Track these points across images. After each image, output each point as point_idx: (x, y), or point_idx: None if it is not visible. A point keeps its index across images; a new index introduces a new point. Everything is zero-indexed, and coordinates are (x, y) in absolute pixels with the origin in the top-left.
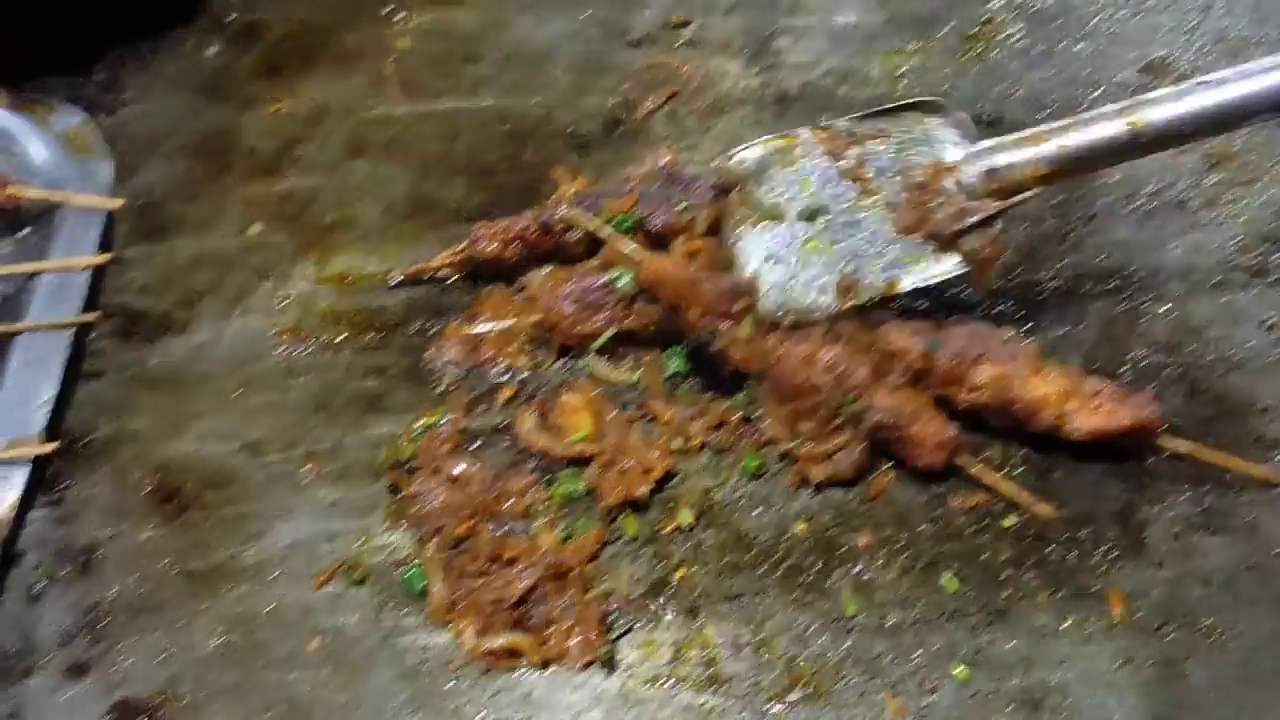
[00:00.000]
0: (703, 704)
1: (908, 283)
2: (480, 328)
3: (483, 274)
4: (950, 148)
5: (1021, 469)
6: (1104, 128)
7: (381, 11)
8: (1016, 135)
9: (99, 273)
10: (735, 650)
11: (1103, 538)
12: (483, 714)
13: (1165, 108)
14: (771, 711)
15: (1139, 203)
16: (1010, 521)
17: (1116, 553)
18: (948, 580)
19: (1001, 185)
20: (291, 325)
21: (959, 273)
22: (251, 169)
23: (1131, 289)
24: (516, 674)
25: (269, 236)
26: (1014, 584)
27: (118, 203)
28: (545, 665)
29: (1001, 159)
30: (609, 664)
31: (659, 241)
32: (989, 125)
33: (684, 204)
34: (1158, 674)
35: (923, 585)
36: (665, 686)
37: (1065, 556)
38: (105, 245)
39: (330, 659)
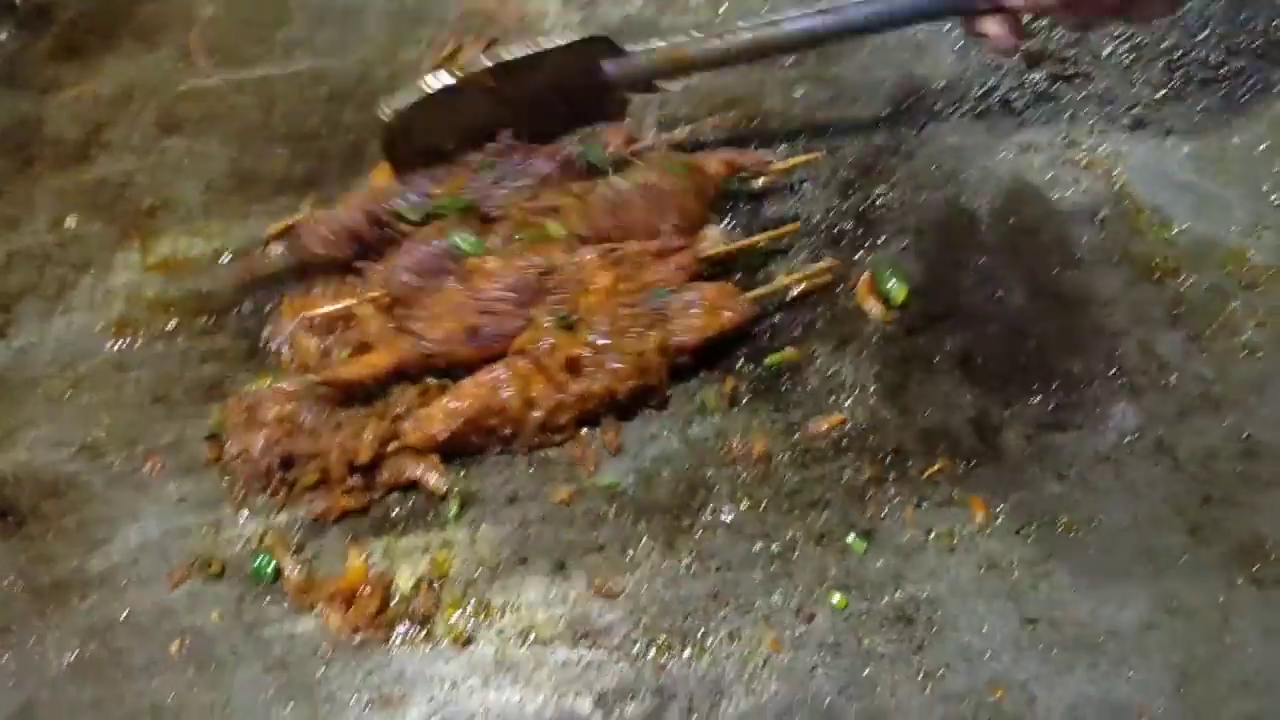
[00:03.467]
0: (579, 659)
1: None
2: (321, 311)
3: (314, 268)
4: None
5: (874, 387)
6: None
7: None
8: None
9: None
10: (606, 601)
11: (959, 447)
12: (356, 696)
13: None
14: (648, 658)
15: (967, 106)
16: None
17: (974, 460)
18: (811, 505)
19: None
20: (119, 318)
21: None
22: (59, 158)
23: (967, 193)
24: (388, 651)
25: (85, 227)
26: (877, 502)
27: None
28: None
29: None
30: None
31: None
32: None
33: (523, 182)
34: (1023, 576)
35: (788, 514)
36: (539, 645)
37: (924, 470)
38: None
39: (193, 659)
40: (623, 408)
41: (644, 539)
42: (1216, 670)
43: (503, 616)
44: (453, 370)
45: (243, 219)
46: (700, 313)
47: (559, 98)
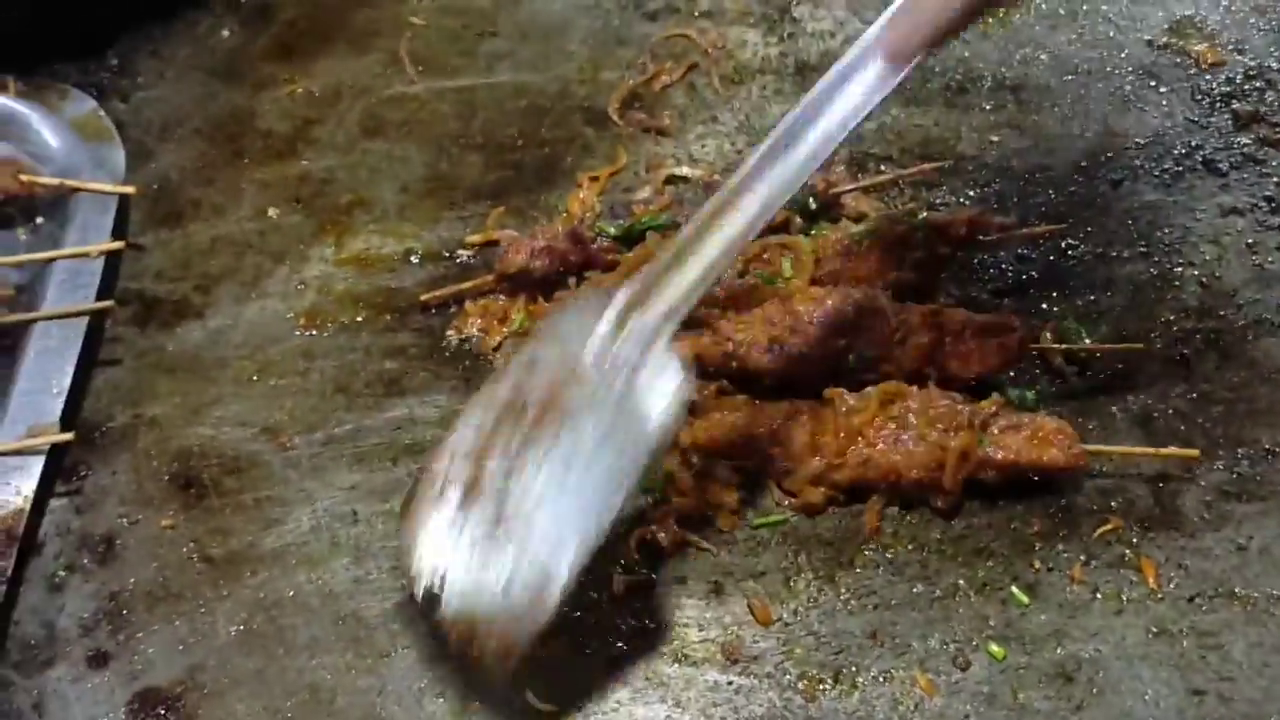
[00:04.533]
0: (729, 682)
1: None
2: None
3: (516, 285)
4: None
5: None
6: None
7: None
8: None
9: (114, 260)
10: (760, 629)
11: (1134, 507)
12: (506, 698)
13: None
14: (798, 689)
15: (1167, 164)
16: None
17: (1148, 522)
18: (977, 552)
19: None
20: (309, 308)
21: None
22: (266, 151)
23: (1160, 253)
24: (537, 660)
25: (285, 219)
26: (1045, 555)
27: (130, 189)
28: None
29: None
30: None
31: None
32: (1012, 90)
33: None
34: (1193, 645)
35: (951, 559)
36: (690, 665)
37: (1096, 528)
38: (120, 232)
39: (353, 644)
40: (904, 498)
41: (804, 570)
42: None
43: (656, 633)
44: (747, 381)
45: (434, 223)
46: (1024, 438)
47: None
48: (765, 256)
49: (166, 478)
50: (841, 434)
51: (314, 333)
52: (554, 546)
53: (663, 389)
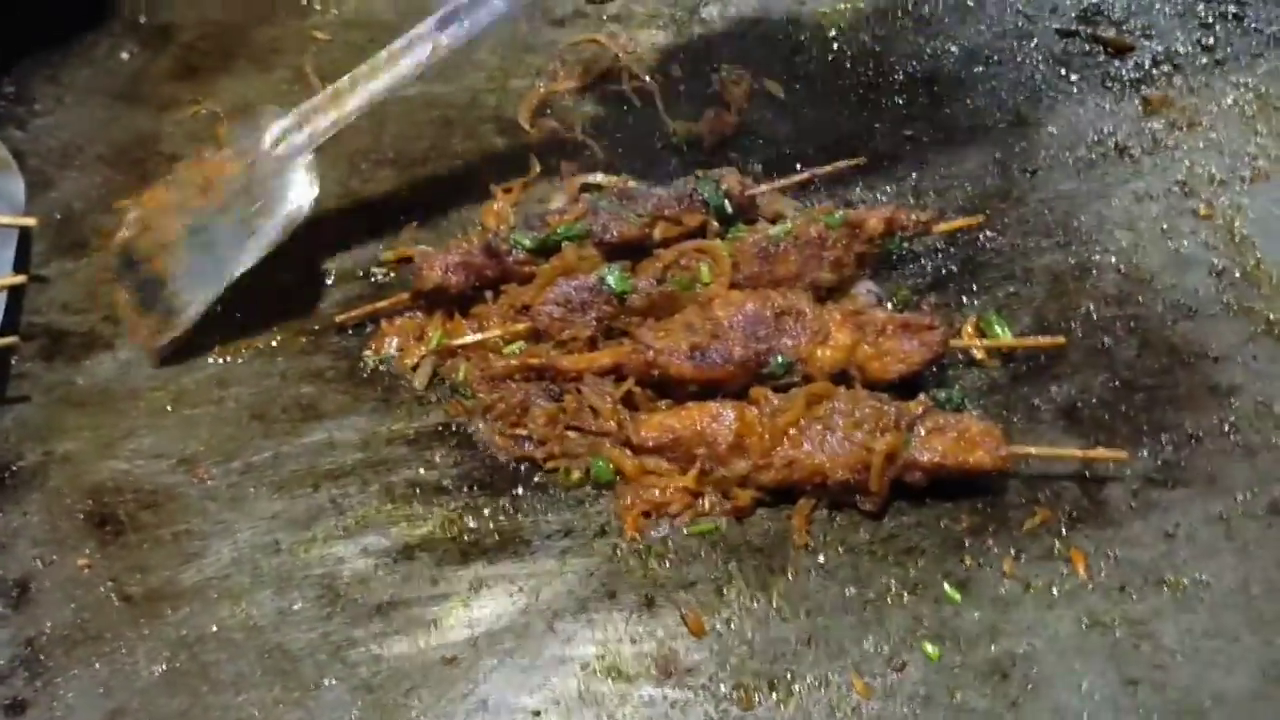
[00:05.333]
0: (664, 696)
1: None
2: (462, 341)
3: (432, 302)
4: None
5: None
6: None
7: (300, 2)
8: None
9: (17, 293)
10: (693, 640)
11: (1061, 499)
12: None
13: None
14: (734, 699)
15: (1081, 153)
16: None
17: (1077, 513)
18: (907, 552)
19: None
20: (222, 334)
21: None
22: None
23: (1078, 242)
24: (473, 680)
25: None
26: (976, 551)
27: (31, 220)
28: None
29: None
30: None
31: (613, 253)
32: (924, 84)
33: (641, 214)
34: (1126, 635)
35: (882, 560)
36: (624, 681)
37: (1025, 521)
38: (22, 265)
39: (280, 677)
40: (832, 500)
41: (735, 578)
42: None
43: (590, 649)
44: (671, 388)
45: (347, 241)
46: (951, 440)
47: None
48: (683, 262)
49: (81, 516)
50: (767, 435)
51: (228, 359)
52: (191, 283)
53: (296, 191)
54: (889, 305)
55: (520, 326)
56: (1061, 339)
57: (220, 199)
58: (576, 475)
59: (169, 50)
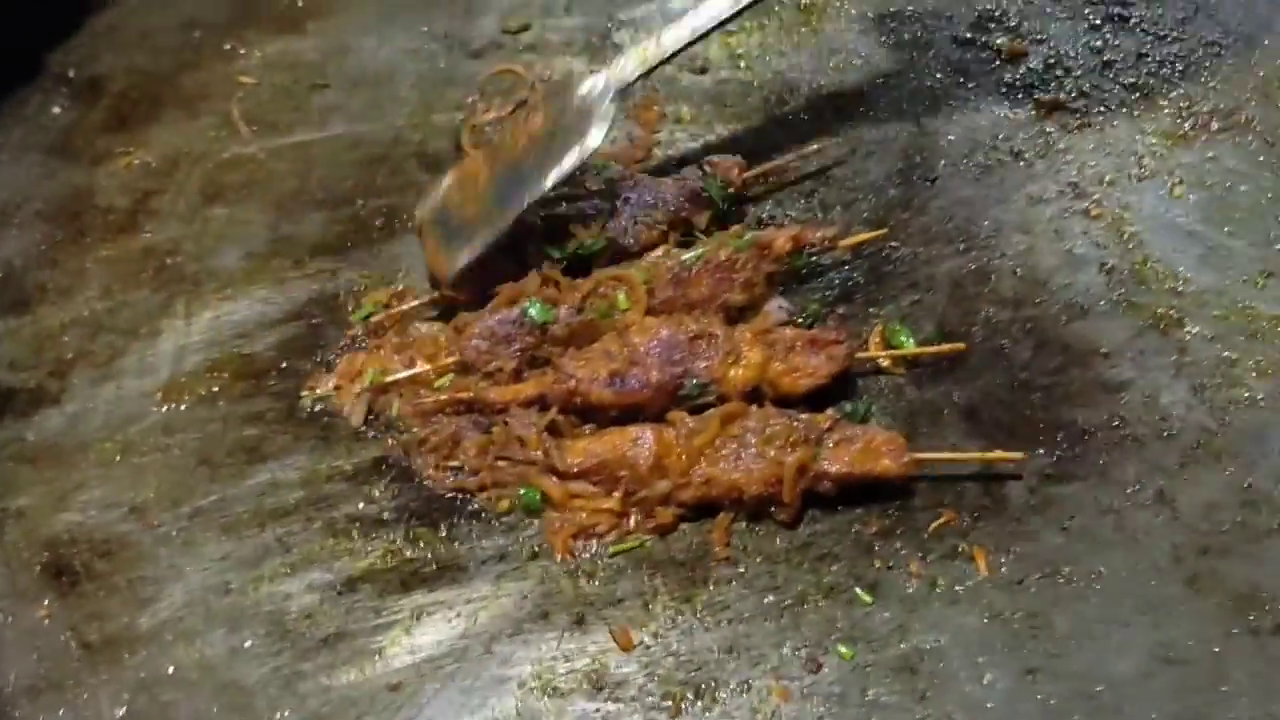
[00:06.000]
0: (596, 710)
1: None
2: (393, 377)
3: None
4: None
5: None
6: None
7: (224, 47)
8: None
9: None
10: (623, 654)
11: (964, 499)
12: None
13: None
14: (663, 708)
15: (978, 158)
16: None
17: (979, 512)
18: (821, 558)
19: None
20: (166, 383)
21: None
22: (109, 228)
23: (977, 247)
24: (418, 706)
25: (134, 294)
26: (885, 554)
27: None
28: None
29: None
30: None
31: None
32: (829, 98)
33: (654, 214)
34: (1024, 627)
35: (798, 567)
36: (559, 697)
37: (930, 523)
38: None
39: (235, 713)
40: (750, 512)
41: (660, 593)
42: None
43: (526, 668)
44: (593, 414)
45: (281, 284)
46: (858, 450)
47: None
48: (600, 291)
49: (38, 568)
50: (685, 456)
51: (172, 406)
52: (499, 202)
53: (596, 127)
54: (799, 320)
55: (449, 361)
56: (962, 345)
57: (528, 147)
58: (506, 504)
59: (100, 103)
